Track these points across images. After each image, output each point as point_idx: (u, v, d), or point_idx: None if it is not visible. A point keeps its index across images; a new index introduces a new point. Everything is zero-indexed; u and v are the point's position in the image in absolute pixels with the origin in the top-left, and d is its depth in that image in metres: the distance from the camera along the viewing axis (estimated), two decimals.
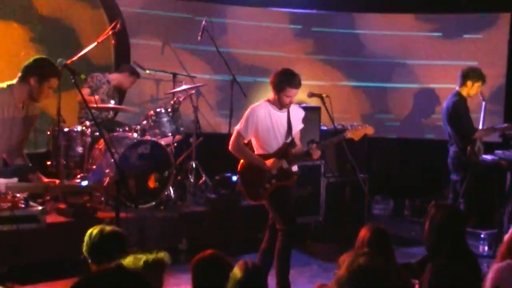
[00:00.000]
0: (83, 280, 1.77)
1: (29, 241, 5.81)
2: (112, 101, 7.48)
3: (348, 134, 5.54)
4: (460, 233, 4.01)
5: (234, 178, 7.21)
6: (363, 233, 3.94)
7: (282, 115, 5.52)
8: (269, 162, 5.44)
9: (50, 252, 5.97)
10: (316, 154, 5.46)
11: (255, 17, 9.21)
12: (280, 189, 5.48)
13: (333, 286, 2.66)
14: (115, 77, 7.69)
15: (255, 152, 5.58)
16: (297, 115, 5.64)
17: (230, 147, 5.54)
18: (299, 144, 5.63)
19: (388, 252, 3.89)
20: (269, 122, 5.48)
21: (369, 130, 5.68)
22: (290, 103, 5.46)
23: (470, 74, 7.08)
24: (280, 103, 5.45)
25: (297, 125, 5.63)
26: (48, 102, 7.72)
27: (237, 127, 5.54)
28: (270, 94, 5.54)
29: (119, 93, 7.94)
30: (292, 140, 5.53)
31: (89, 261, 3.50)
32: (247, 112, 5.53)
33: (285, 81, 5.36)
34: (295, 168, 5.61)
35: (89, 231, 3.58)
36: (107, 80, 7.60)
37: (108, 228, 3.60)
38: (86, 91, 7.17)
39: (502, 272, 3.58)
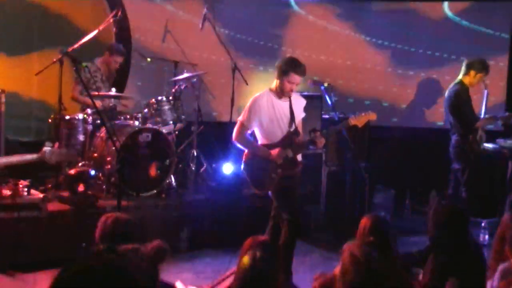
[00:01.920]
0: (67, 271, 1.77)
1: (30, 228, 5.83)
2: (114, 89, 7.46)
3: (352, 121, 5.54)
4: (464, 232, 4.02)
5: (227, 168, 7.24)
6: (364, 222, 3.94)
7: (284, 104, 5.51)
8: (274, 151, 5.44)
9: (51, 240, 5.98)
10: (321, 142, 5.46)
11: (257, 5, 9.18)
12: (286, 178, 5.47)
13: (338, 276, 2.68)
14: (100, 62, 7.61)
15: (259, 142, 5.57)
16: (299, 104, 5.64)
17: (233, 138, 5.53)
18: (302, 133, 5.62)
19: (389, 241, 3.89)
20: (272, 112, 5.46)
21: (372, 116, 5.68)
22: (291, 90, 5.45)
23: (475, 64, 7.05)
24: (281, 90, 5.44)
25: (299, 114, 5.62)
26: (49, 90, 7.78)
27: (240, 118, 5.53)
28: (272, 83, 5.53)
29: (118, 76, 7.87)
30: (296, 129, 5.53)
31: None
32: (249, 103, 5.51)
33: (291, 67, 5.36)
34: (299, 157, 5.61)
35: (103, 218, 3.59)
36: (97, 67, 7.54)
37: (123, 216, 3.61)
38: (78, 88, 7.14)
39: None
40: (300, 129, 5.60)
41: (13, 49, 8.03)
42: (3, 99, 6.88)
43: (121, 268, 1.76)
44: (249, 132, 5.55)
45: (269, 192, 5.55)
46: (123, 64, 7.87)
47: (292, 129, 5.52)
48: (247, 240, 3.54)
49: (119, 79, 8.00)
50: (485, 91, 7.36)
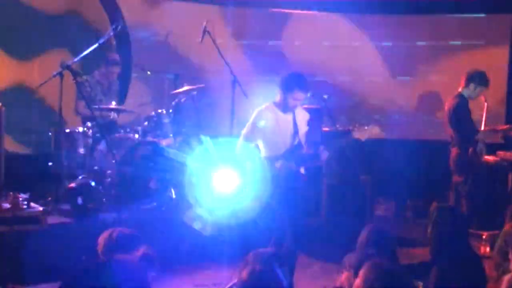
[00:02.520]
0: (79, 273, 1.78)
1: (30, 242, 5.81)
2: (113, 102, 7.47)
3: (355, 135, 5.54)
4: (463, 236, 4.01)
5: None
6: (365, 234, 3.94)
7: (288, 117, 5.51)
8: (277, 164, 5.44)
9: (51, 253, 5.96)
10: (324, 155, 5.46)
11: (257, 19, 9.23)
12: (289, 191, 5.47)
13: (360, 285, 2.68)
14: (99, 74, 7.59)
15: (262, 155, 5.57)
16: (303, 117, 5.64)
17: (237, 150, 5.53)
18: (305, 147, 5.63)
19: (390, 253, 3.88)
20: (275, 125, 5.47)
21: (375, 131, 5.67)
22: (295, 106, 5.47)
23: (475, 78, 7.04)
24: (286, 105, 5.45)
25: (303, 127, 5.63)
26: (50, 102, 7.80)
27: (243, 131, 5.54)
28: (273, 96, 5.53)
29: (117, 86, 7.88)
30: (300, 142, 5.53)
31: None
32: (253, 115, 5.52)
33: (295, 83, 5.35)
34: (302, 170, 5.61)
35: (106, 233, 3.59)
36: (97, 80, 7.55)
37: (124, 230, 3.62)
38: (82, 103, 7.11)
39: None
40: (303, 142, 5.61)
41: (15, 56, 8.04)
42: (3, 113, 6.88)
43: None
44: (252, 144, 5.55)
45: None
46: (123, 76, 7.87)
47: (295, 142, 5.52)
48: (250, 253, 3.53)
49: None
50: (485, 104, 7.36)
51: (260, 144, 5.57)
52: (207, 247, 6.79)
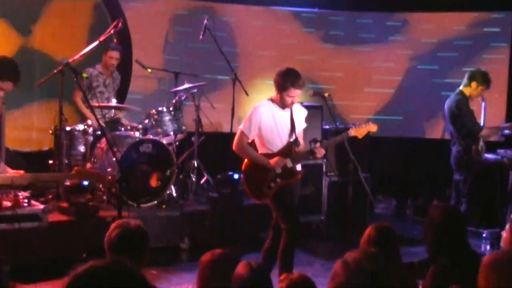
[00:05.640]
0: (80, 274, 1.78)
1: (31, 239, 5.81)
2: (114, 100, 7.46)
3: (352, 132, 5.54)
4: (460, 233, 3.99)
5: (236, 176, 7.21)
6: (369, 231, 3.91)
7: (285, 114, 5.51)
8: (273, 161, 5.44)
9: (52, 250, 5.97)
10: (320, 153, 5.46)
11: (258, 17, 9.22)
12: (285, 188, 5.47)
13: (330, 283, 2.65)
14: (101, 66, 7.59)
15: (259, 151, 5.58)
16: (300, 114, 5.64)
17: (234, 146, 5.54)
18: (303, 143, 5.62)
19: (394, 251, 3.87)
20: (272, 122, 5.47)
21: (373, 128, 5.67)
22: (292, 103, 5.46)
23: (477, 77, 7.03)
24: (282, 103, 5.45)
25: (300, 124, 5.63)
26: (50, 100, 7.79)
27: (241, 127, 5.53)
28: (272, 93, 5.53)
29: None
30: (296, 139, 5.53)
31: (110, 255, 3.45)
32: (250, 112, 5.52)
33: (289, 81, 5.33)
34: (299, 167, 5.61)
35: (112, 225, 3.55)
36: (99, 72, 7.55)
37: (132, 223, 3.57)
38: (79, 93, 7.10)
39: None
40: (301, 139, 5.61)
41: None
42: (4, 110, 6.88)
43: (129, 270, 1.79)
44: (249, 141, 5.55)
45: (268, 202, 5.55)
46: (123, 71, 7.86)
47: (292, 139, 5.52)
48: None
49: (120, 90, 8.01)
50: (483, 103, 7.34)
51: (257, 140, 5.58)
52: (208, 245, 6.80)
